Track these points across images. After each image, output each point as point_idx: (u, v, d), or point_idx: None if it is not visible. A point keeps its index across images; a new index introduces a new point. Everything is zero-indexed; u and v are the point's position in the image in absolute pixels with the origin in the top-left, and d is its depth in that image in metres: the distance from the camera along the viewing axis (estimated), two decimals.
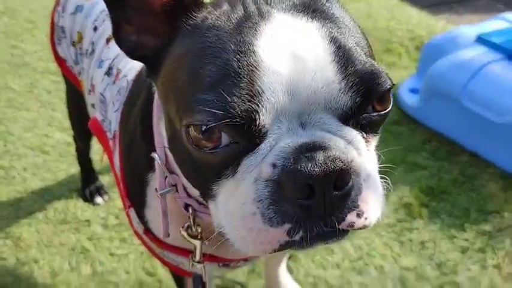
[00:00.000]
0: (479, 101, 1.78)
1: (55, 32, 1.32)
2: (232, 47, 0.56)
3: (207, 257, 0.84)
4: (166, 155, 0.75)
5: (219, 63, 0.56)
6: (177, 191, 0.77)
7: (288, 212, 0.54)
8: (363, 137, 0.58)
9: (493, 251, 1.51)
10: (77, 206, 1.68)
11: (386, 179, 0.61)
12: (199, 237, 0.80)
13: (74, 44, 1.23)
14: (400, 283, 1.43)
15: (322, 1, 0.62)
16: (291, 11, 0.60)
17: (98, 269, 1.46)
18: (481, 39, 1.95)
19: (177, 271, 0.98)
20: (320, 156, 0.52)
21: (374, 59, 0.60)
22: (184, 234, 0.80)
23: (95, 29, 1.13)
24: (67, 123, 2.12)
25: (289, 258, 1.44)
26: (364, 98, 0.55)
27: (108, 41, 1.08)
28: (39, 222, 1.62)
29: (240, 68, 0.54)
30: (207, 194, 0.63)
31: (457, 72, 1.88)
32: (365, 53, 0.58)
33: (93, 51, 1.12)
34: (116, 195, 1.73)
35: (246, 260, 0.93)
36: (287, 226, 0.54)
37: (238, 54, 0.55)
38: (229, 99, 0.53)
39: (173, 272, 1.03)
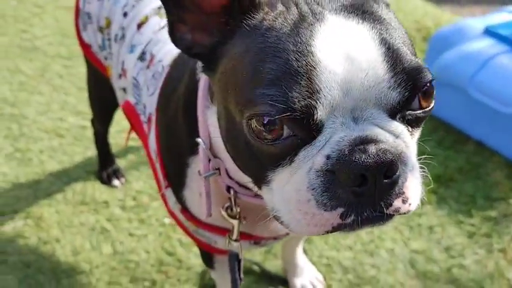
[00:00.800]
0: (487, 91, 1.83)
1: (80, 18, 1.35)
2: (291, 47, 0.61)
3: (241, 235, 0.89)
4: (210, 140, 0.79)
5: (280, 62, 0.60)
6: (219, 174, 0.81)
7: (342, 197, 0.59)
8: (408, 131, 0.63)
9: (498, 235, 1.57)
10: (94, 188, 1.72)
11: (424, 169, 0.66)
12: (237, 217, 0.85)
13: (101, 29, 1.26)
14: (410, 265, 1.49)
15: (370, 3, 0.67)
16: (342, 12, 0.64)
17: (119, 248, 1.50)
18: (489, 31, 2.00)
19: (208, 248, 1.02)
20: (372, 148, 0.58)
21: (416, 56, 0.65)
22: (224, 214, 0.85)
23: (125, 14, 1.16)
24: (80, 107, 2.16)
25: (305, 240, 1.49)
26: (411, 93, 0.60)
27: (139, 26, 1.11)
28: (58, 203, 1.66)
29: (299, 67, 0.59)
30: (261, 180, 0.67)
31: (464, 63, 1.92)
32: (410, 52, 0.63)
33: (123, 36, 1.15)
34: (133, 178, 1.77)
35: (275, 238, 0.98)
36: (340, 210, 0.59)
37: (297, 54, 0.60)
38: (290, 94, 0.58)
39: (203, 250, 1.07)
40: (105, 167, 1.74)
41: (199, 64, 0.76)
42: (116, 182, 1.73)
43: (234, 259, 0.91)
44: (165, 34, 1.03)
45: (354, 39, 0.61)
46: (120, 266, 1.45)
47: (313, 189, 0.60)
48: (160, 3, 1.08)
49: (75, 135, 1.99)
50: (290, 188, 0.62)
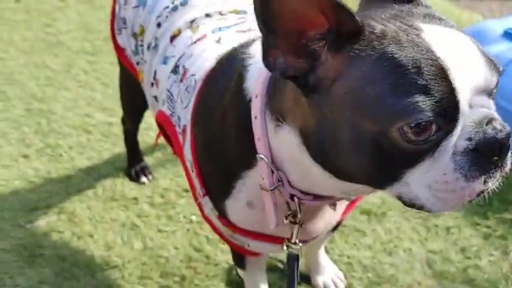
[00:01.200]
0: (505, 95, 1.86)
1: (115, 22, 1.41)
2: (420, 56, 0.69)
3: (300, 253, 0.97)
4: (271, 155, 0.86)
5: (415, 71, 0.68)
6: (283, 185, 0.87)
7: (485, 167, 0.71)
8: None
9: None
10: (123, 185, 1.79)
11: None
12: (297, 221, 0.91)
13: (135, 35, 1.31)
14: (427, 265, 1.55)
15: (434, 12, 0.80)
16: (428, 21, 0.76)
17: (149, 244, 1.58)
18: (508, 34, 2.02)
19: (241, 251, 1.09)
20: (498, 125, 0.70)
21: None
22: (286, 221, 0.91)
23: (159, 25, 1.21)
24: (107, 104, 2.23)
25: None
26: (497, 78, 0.75)
27: (172, 38, 1.16)
28: (89, 199, 1.74)
29: (435, 72, 0.68)
30: (390, 180, 0.75)
31: None
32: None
33: (156, 46, 1.20)
34: (160, 175, 1.84)
35: (315, 237, 1.05)
36: (483, 177, 0.72)
37: (428, 61, 0.68)
38: (437, 97, 0.67)
39: (235, 251, 1.14)
40: (133, 164, 1.81)
41: (296, 88, 0.77)
42: (144, 179, 1.80)
43: (294, 260, 0.97)
44: (196, 49, 1.10)
45: (456, 41, 0.73)
46: (151, 261, 1.52)
47: (461, 168, 0.71)
48: (193, 16, 1.15)
49: (103, 132, 2.06)
50: (434, 174, 0.72)
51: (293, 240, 0.96)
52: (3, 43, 2.70)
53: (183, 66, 1.08)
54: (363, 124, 0.71)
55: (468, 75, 0.70)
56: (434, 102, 0.67)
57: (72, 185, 1.80)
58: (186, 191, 1.76)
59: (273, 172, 0.87)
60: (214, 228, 1.07)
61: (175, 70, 1.10)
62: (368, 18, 0.75)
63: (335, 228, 1.22)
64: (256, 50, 0.90)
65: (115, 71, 2.37)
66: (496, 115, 0.72)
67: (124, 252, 1.55)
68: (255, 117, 0.85)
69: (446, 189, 0.72)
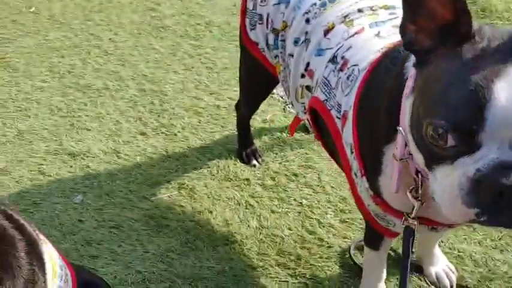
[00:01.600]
0: None
1: (247, 19, 1.49)
2: (477, 80, 0.75)
3: (420, 219, 1.02)
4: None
5: (464, 90, 0.75)
6: (412, 159, 0.94)
7: (480, 202, 0.77)
8: None
9: None
10: (236, 166, 1.90)
11: None
12: (419, 198, 0.97)
13: (274, 30, 1.39)
14: None
15: None
16: None
17: (264, 223, 1.68)
18: None
19: (382, 230, 1.16)
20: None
21: None
22: (409, 194, 0.97)
23: (307, 21, 1.28)
24: (213, 87, 2.35)
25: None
26: None
27: (326, 32, 1.22)
28: (205, 177, 1.86)
29: (476, 99, 0.73)
30: (428, 167, 0.85)
31: None
32: None
33: (306, 40, 1.27)
34: (269, 159, 1.93)
35: (450, 226, 1.09)
36: (476, 210, 0.78)
37: (479, 87, 0.74)
38: (461, 118, 0.74)
39: (376, 232, 1.20)
40: (244, 147, 1.91)
41: (413, 59, 0.92)
42: (254, 161, 1.90)
43: (409, 233, 1.03)
44: (356, 41, 1.16)
45: None
46: (267, 239, 1.63)
47: (461, 189, 0.78)
48: (345, 12, 1.20)
49: (212, 114, 2.18)
50: (448, 182, 0.80)
51: (412, 215, 1.01)
52: (114, 25, 2.89)
53: (342, 57, 1.15)
54: (421, 102, 0.83)
55: (509, 117, 0.72)
56: (456, 122, 0.75)
57: (188, 163, 1.93)
58: (295, 175, 1.85)
59: (406, 145, 0.94)
60: (363, 207, 1.14)
61: (333, 60, 1.17)
62: (484, 30, 0.82)
63: None
64: None
65: (217, 56, 2.50)
66: None
67: (242, 229, 1.66)
68: (405, 94, 0.92)
69: (450, 199, 0.80)
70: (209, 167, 1.91)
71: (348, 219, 1.68)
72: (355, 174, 1.11)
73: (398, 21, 1.12)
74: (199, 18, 2.91)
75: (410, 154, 0.94)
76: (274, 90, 1.94)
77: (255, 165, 1.89)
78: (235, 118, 1.95)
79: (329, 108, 1.17)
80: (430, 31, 0.84)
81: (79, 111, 2.27)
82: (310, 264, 1.54)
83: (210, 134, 2.07)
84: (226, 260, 1.57)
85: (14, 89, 2.44)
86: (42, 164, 1.98)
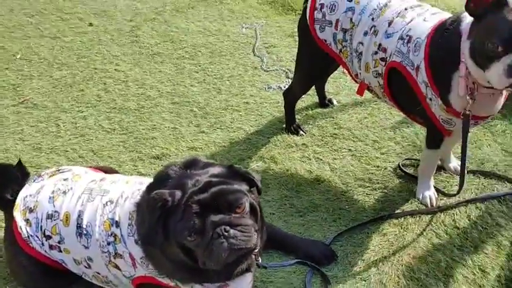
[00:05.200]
0: None
1: (316, 25, 2.12)
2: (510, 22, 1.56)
3: (471, 116, 1.80)
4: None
5: (506, 27, 1.56)
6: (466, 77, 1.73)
7: None
8: None
9: None
10: (290, 137, 2.54)
11: None
12: (473, 98, 1.74)
13: (344, 29, 2.07)
14: None
15: None
16: None
17: (334, 166, 2.35)
18: None
19: (445, 132, 1.91)
20: None
21: None
22: (467, 96, 1.74)
23: (373, 19, 1.98)
24: (234, 91, 2.94)
25: None
26: None
27: (389, 24, 1.96)
28: (275, 148, 2.47)
29: (511, 31, 1.55)
30: (487, 67, 1.63)
31: None
32: None
33: (374, 31, 1.97)
34: (309, 128, 2.61)
35: (487, 117, 1.90)
36: (511, 79, 1.58)
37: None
38: (506, 38, 1.55)
39: (440, 134, 1.94)
40: (292, 122, 2.57)
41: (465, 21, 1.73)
42: (301, 132, 2.57)
43: (467, 123, 1.80)
44: (411, 25, 1.92)
45: None
46: (342, 175, 2.31)
47: (504, 69, 1.56)
48: (398, 10, 1.97)
49: (246, 109, 2.79)
50: (497, 69, 1.59)
51: (467, 109, 1.78)
52: (109, 59, 3.30)
53: (407, 35, 1.88)
54: (481, 38, 1.62)
55: None
56: (504, 39, 1.53)
57: (253, 143, 2.52)
58: (335, 134, 2.56)
59: (466, 68, 1.72)
60: (435, 119, 1.88)
61: (401, 38, 1.91)
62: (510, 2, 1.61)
63: None
64: (464, 16, 1.75)
65: (218, 68, 3.12)
66: None
67: (323, 173, 2.32)
68: (464, 40, 1.71)
69: (499, 77, 1.57)
70: (272, 142, 2.52)
71: (383, 152, 2.44)
72: (430, 99, 1.87)
73: (431, 11, 1.94)
74: (183, 42, 3.47)
75: (469, 73, 1.72)
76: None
77: (302, 134, 2.56)
78: (268, 107, 2.64)
79: (404, 65, 1.91)
80: (484, 4, 1.62)
81: (132, 128, 2.69)
82: (378, 182, 2.27)
83: (254, 123, 2.68)
84: (322, 193, 2.21)
85: (56, 123, 2.75)
86: (136, 166, 2.40)
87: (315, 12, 2.15)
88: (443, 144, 2.03)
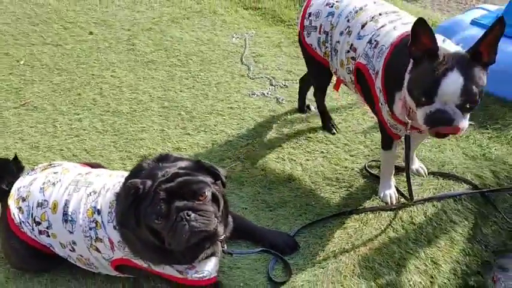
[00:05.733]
0: None
1: (305, 32, 2.35)
2: (434, 76, 1.68)
3: (413, 127, 1.98)
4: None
5: (431, 79, 1.69)
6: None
7: (429, 122, 1.74)
8: (463, 115, 1.68)
9: None
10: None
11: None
12: (410, 118, 1.93)
13: (325, 32, 2.25)
14: None
15: (465, 62, 1.67)
16: (458, 69, 1.63)
17: (306, 166, 2.55)
18: (474, 22, 3.23)
19: (394, 135, 2.09)
20: (443, 115, 1.68)
21: (480, 86, 1.69)
22: (406, 117, 1.93)
23: (348, 21, 2.17)
24: (220, 96, 3.15)
25: None
26: (466, 102, 1.65)
27: (362, 26, 2.12)
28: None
29: (434, 84, 1.66)
30: (416, 107, 1.79)
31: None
32: (476, 86, 1.64)
33: (348, 32, 2.15)
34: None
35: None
36: (428, 126, 1.77)
37: (434, 80, 1.67)
38: (428, 91, 1.68)
39: (390, 137, 2.13)
40: (326, 114, 2.79)
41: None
42: (334, 130, 2.77)
43: (407, 137, 1.99)
44: (381, 32, 2.08)
45: (457, 82, 1.62)
46: (329, 170, 2.50)
47: (424, 117, 1.71)
48: (372, 14, 2.17)
49: (230, 113, 2.99)
50: (421, 113, 1.72)
51: (408, 127, 1.95)
52: (106, 66, 3.52)
53: (375, 40, 2.06)
54: (413, 84, 1.80)
55: (448, 93, 1.62)
56: (426, 92, 1.67)
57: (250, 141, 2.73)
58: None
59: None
60: (384, 123, 2.08)
61: (370, 42, 2.09)
62: (442, 52, 1.73)
63: None
64: None
65: (207, 75, 3.34)
66: (454, 115, 1.66)
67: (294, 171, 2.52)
68: (408, 70, 1.86)
69: (421, 121, 1.74)
70: (251, 144, 2.72)
71: (353, 154, 2.63)
72: (382, 104, 2.06)
73: (404, 20, 2.13)
74: (176, 51, 3.69)
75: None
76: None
77: (334, 133, 2.79)
78: (250, 112, 2.85)
79: (368, 68, 2.11)
80: (421, 50, 1.75)
81: (123, 130, 2.90)
82: (345, 181, 2.45)
83: (236, 126, 2.88)
84: (292, 190, 2.40)
85: (54, 124, 2.97)
86: (125, 164, 2.61)
87: (305, 20, 2.37)
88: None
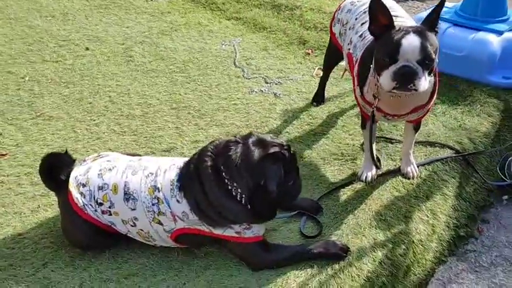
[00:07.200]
0: (445, 47, 3.54)
1: (333, 22, 2.81)
2: (395, 40, 2.06)
3: (379, 110, 2.37)
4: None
5: (392, 44, 2.06)
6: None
7: (397, 79, 2.01)
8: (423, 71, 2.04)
9: None
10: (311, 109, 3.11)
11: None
12: (377, 96, 2.31)
13: (343, 24, 2.68)
14: None
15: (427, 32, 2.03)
16: (414, 33, 1.97)
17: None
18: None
19: (366, 116, 2.47)
20: (408, 69, 1.98)
21: (434, 46, 2.10)
22: (372, 98, 2.33)
23: (356, 19, 2.58)
24: (223, 95, 3.49)
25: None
26: (425, 59, 1.98)
27: (362, 24, 2.51)
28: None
29: (396, 46, 2.03)
30: (379, 74, 2.13)
31: None
32: (431, 45, 1.98)
33: (353, 27, 2.57)
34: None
35: (395, 116, 2.50)
36: (395, 82, 2.02)
37: (395, 43, 2.06)
38: (391, 53, 1.99)
39: (364, 117, 2.52)
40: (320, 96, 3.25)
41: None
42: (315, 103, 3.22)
43: (371, 118, 2.36)
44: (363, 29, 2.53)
45: (416, 42, 1.95)
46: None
47: (391, 75, 1.99)
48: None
49: (235, 108, 3.33)
50: (386, 75, 2.02)
51: (373, 106, 2.32)
52: (110, 76, 3.79)
53: (365, 35, 2.47)
54: (377, 54, 2.31)
55: (408, 51, 1.93)
56: (390, 54, 1.99)
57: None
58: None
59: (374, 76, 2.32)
60: (358, 103, 2.48)
61: (361, 36, 2.49)
62: (398, 25, 2.17)
63: (416, 130, 2.66)
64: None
65: (207, 78, 3.68)
66: (417, 70, 1.96)
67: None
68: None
69: (387, 81, 2.03)
70: (260, 132, 3.06)
71: (351, 133, 3.02)
72: (357, 86, 2.47)
73: (399, 20, 2.55)
74: (173, 59, 4.00)
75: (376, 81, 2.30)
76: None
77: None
78: (253, 106, 3.20)
79: (353, 57, 2.52)
80: (380, 27, 2.14)
81: (140, 130, 3.18)
82: (349, 155, 2.84)
83: (243, 119, 3.22)
84: (306, 166, 2.76)
85: (73, 130, 3.21)
86: None
87: (336, 12, 2.82)
88: None
